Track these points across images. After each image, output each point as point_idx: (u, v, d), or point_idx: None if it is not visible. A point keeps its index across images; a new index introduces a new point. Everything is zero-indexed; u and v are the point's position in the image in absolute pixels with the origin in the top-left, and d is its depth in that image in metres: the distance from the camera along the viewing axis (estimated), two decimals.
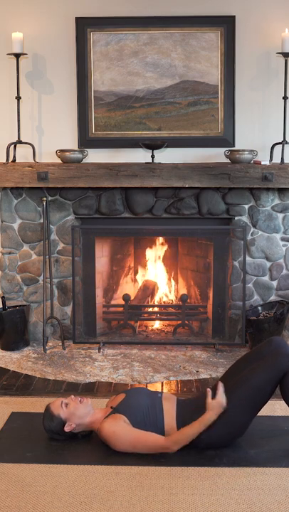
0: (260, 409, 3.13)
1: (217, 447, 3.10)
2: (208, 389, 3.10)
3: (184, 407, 3.19)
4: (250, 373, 3.09)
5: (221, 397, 3.03)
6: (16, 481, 2.85)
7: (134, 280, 5.35)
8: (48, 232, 4.83)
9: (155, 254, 5.28)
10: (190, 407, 3.19)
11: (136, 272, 5.34)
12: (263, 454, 3.03)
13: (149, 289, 5.28)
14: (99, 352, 4.69)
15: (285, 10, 4.64)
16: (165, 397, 3.24)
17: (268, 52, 4.68)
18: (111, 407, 3.18)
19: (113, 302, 5.20)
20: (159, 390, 3.93)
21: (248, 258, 4.78)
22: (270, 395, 3.10)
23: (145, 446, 3.02)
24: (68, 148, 4.73)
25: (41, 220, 4.83)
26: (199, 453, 3.05)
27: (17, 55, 4.58)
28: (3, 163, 4.66)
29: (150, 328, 5.22)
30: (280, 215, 4.77)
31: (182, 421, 3.11)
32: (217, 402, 3.02)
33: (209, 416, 3.00)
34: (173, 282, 5.29)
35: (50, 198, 4.81)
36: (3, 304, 4.84)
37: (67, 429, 3.16)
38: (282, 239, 4.80)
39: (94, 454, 3.10)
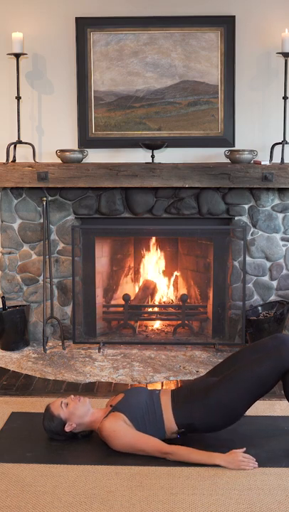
0: (256, 400, 3.12)
1: (209, 432, 3.13)
2: (244, 448, 3.00)
3: (177, 394, 3.19)
4: (251, 363, 3.09)
5: (241, 461, 2.93)
6: (16, 481, 2.85)
7: (134, 280, 5.34)
8: (48, 232, 4.83)
9: (155, 254, 5.28)
10: (183, 392, 3.20)
11: (136, 272, 5.34)
12: (263, 454, 3.03)
13: (149, 289, 5.28)
14: (99, 352, 4.69)
15: (285, 10, 4.64)
16: (162, 392, 3.24)
17: (268, 52, 4.68)
18: (110, 406, 3.19)
19: (113, 302, 5.19)
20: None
21: (248, 258, 4.78)
22: (269, 388, 3.09)
23: (144, 448, 3.01)
24: (68, 148, 4.73)
25: (41, 220, 4.83)
26: None
27: (17, 55, 4.58)
28: (3, 163, 4.66)
29: (150, 328, 5.22)
30: (280, 215, 4.77)
31: (177, 409, 3.11)
32: (237, 461, 2.92)
33: (219, 461, 2.92)
34: (172, 282, 5.29)
35: (50, 198, 4.81)
36: (3, 303, 4.84)
37: (67, 429, 3.16)
38: (282, 239, 4.80)
39: (94, 454, 3.10)
